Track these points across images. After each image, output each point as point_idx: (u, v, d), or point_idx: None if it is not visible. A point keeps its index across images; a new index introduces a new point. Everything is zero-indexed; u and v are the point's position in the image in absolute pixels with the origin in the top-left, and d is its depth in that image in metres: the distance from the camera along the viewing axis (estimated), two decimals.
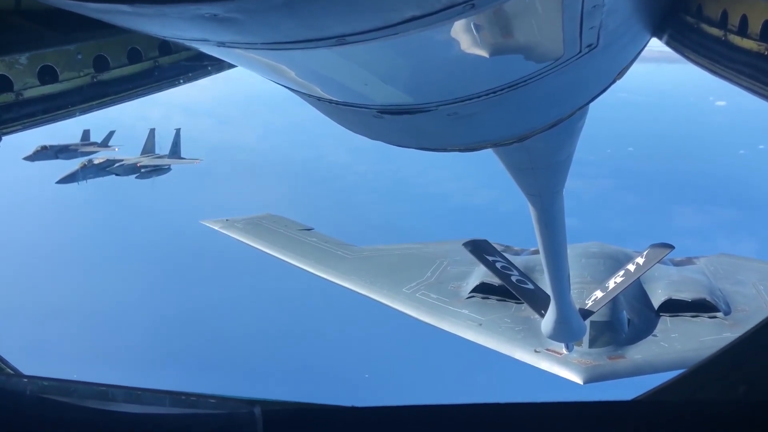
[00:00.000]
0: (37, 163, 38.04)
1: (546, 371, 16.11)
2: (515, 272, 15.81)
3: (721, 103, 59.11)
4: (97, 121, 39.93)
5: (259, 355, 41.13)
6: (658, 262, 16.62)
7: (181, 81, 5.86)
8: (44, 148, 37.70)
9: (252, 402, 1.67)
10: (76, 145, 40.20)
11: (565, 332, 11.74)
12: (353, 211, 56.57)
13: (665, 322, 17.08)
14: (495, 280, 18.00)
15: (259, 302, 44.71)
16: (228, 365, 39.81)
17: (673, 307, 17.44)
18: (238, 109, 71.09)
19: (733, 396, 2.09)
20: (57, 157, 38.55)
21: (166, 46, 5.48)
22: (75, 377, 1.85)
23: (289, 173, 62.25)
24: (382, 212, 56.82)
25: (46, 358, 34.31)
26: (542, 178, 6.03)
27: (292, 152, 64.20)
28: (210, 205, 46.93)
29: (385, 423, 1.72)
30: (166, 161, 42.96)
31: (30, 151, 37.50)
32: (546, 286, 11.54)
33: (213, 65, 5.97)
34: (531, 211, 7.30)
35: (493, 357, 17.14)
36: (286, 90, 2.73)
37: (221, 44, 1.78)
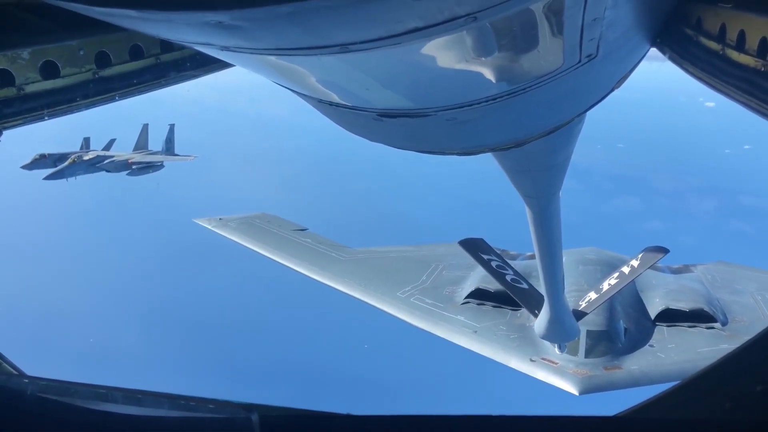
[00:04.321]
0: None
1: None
2: (510, 272, 15.78)
3: (711, 104, 60.27)
4: (99, 125, 38.79)
5: (249, 355, 40.81)
6: (652, 265, 16.64)
7: (184, 78, 5.86)
8: (42, 156, 36.04)
9: (249, 407, 1.66)
10: (76, 153, 38.14)
11: (558, 332, 11.83)
12: (362, 203, 56.73)
13: (662, 331, 16.98)
14: (490, 286, 17.99)
15: (255, 302, 44.35)
16: (216, 363, 39.71)
17: (670, 316, 17.33)
18: (245, 99, 70.14)
19: (717, 414, 2.07)
20: (55, 166, 36.52)
21: (168, 44, 5.48)
22: (63, 376, 1.85)
23: (297, 163, 61.81)
24: (391, 202, 56.90)
25: (44, 357, 34.00)
26: (539, 180, 6.11)
27: (299, 140, 63.37)
28: (212, 203, 46.52)
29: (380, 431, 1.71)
30: (158, 158, 41.21)
31: (28, 159, 35.89)
32: (541, 288, 11.57)
33: (216, 63, 5.97)
34: (527, 212, 7.35)
35: (489, 361, 17.04)
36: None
37: (225, 48, 1.78)
